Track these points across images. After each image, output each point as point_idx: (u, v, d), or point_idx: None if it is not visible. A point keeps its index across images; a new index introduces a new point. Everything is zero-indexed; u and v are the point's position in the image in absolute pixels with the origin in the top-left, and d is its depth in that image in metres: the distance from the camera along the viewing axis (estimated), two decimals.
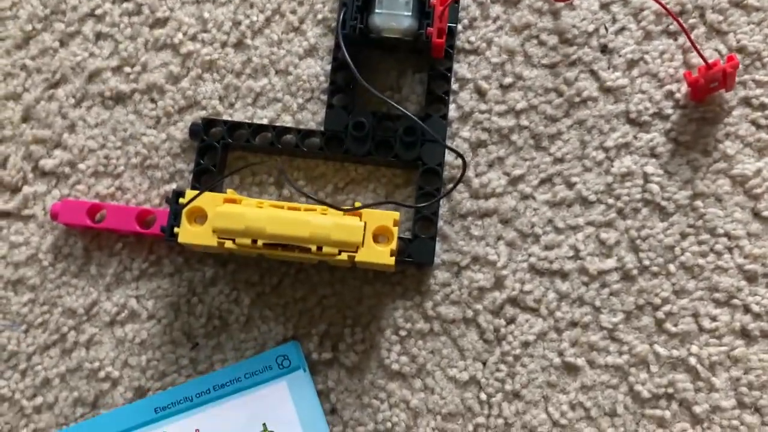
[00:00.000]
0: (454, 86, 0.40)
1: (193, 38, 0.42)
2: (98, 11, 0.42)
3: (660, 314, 0.38)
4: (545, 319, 0.38)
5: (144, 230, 0.38)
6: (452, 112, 0.40)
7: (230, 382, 0.37)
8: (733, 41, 0.40)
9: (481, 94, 0.40)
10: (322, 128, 0.40)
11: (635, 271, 0.38)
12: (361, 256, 0.35)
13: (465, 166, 0.36)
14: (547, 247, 0.39)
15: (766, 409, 0.37)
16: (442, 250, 0.39)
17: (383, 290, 0.39)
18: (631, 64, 0.40)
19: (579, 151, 0.40)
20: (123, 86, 0.41)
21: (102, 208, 0.39)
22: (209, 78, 0.41)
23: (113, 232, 0.39)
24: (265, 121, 0.41)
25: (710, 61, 0.38)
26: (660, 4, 0.39)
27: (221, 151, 0.39)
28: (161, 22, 0.42)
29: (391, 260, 0.35)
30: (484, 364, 0.38)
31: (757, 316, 0.37)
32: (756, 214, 0.38)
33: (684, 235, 0.38)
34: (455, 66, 0.40)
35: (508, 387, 0.38)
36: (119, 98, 0.41)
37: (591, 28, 0.41)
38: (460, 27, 0.41)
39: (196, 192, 0.35)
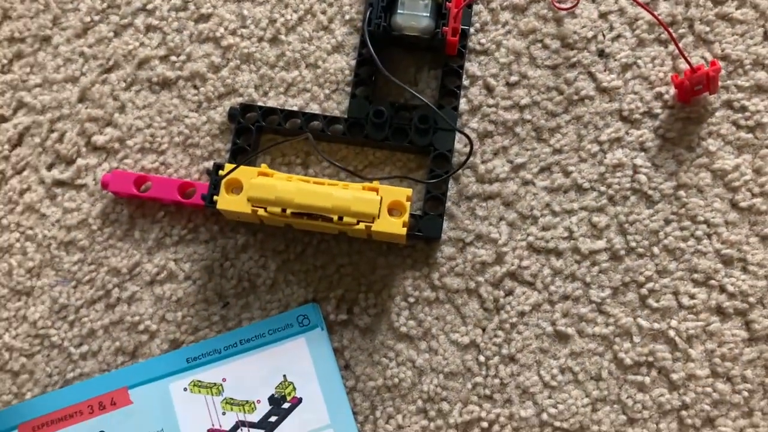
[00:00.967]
0: (465, 82, 0.45)
1: (233, 33, 0.46)
2: (149, 6, 0.47)
3: (644, 291, 0.42)
4: (540, 292, 0.42)
5: (185, 200, 0.43)
6: (463, 105, 0.45)
7: (255, 337, 0.42)
8: (718, 50, 0.44)
9: (489, 89, 0.45)
10: (345, 116, 0.44)
11: (623, 252, 0.42)
12: (376, 226, 0.39)
13: (472, 147, 0.41)
14: (544, 228, 0.43)
15: (736, 378, 0.41)
16: (449, 228, 0.43)
17: (395, 261, 0.43)
18: (625, 67, 0.45)
19: (576, 143, 0.44)
20: (169, 73, 0.46)
21: (148, 179, 0.44)
22: (246, 69, 0.46)
23: (156, 202, 0.44)
24: (295, 109, 0.45)
25: (695, 65, 0.42)
26: (651, 14, 0.43)
27: (255, 133, 0.44)
28: (205, 18, 0.47)
29: (403, 231, 0.40)
30: (484, 330, 0.42)
31: (731, 296, 0.42)
32: (734, 205, 0.43)
33: (668, 221, 0.43)
34: (467, 64, 0.45)
35: (504, 351, 0.42)
36: (165, 84, 0.46)
37: (590, 34, 0.45)
38: (472, 30, 0.45)
39: (234, 165, 0.40)
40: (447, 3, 0.41)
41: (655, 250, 0.42)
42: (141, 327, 0.43)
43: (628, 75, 0.44)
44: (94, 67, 0.46)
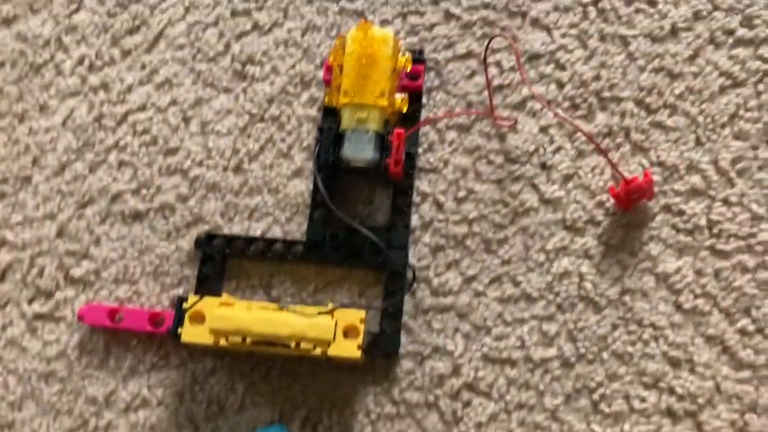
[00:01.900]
0: (417, 199, 0.48)
1: (200, 164, 0.50)
2: (121, 143, 0.51)
3: (595, 396, 0.43)
4: (496, 402, 0.44)
5: (155, 329, 0.45)
6: (415, 221, 0.47)
7: None
8: (654, 157, 0.47)
9: (439, 206, 0.47)
10: (304, 239, 0.47)
11: (573, 359, 0.44)
12: (332, 351, 0.42)
13: (414, 277, 0.43)
14: (498, 338, 0.45)
15: None
16: (407, 342, 0.45)
17: (356, 378, 0.45)
18: (567, 178, 0.47)
19: (523, 253, 0.46)
20: (140, 206, 0.49)
21: (120, 311, 0.46)
22: (212, 197, 0.49)
23: (130, 331, 0.46)
24: (258, 233, 0.48)
25: (630, 176, 0.45)
26: (581, 131, 0.46)
27: (220, 261, 0.47)
28: (173, 151, 0.50)
29: (359, 353, 0.42)
30: None
31: (681, 398, 0.43)
32: (678, 307, 0.44)
33: (615, 326, 0.44)
34: (417, 182, 0.48)
35: None
36: (137, 216, 0.49)
37: (532, 148, 0.48)
38: (420, 150, 0.48)
39: (197, 298, 0.43)
40: (389, 136, 0.44)
41: (604, 355, 0.44)
42: None
43: (570, 185, 0.47)
44: (71, 203, 0.50)
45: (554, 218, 0.46)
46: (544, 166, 0.47)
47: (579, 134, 0.47)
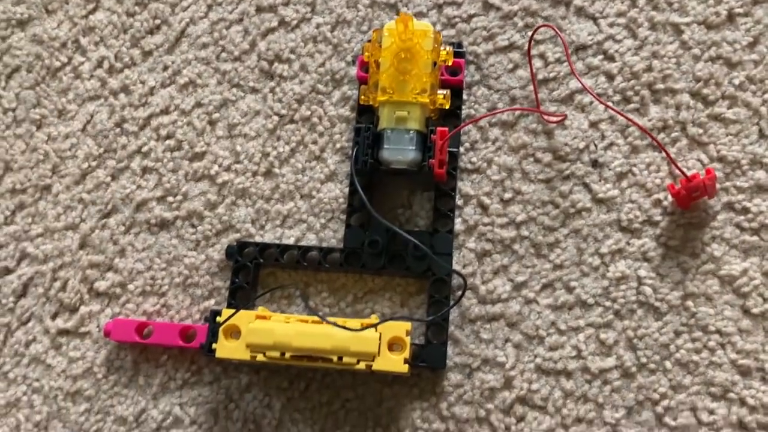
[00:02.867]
0: (459, 202, 0.45)
1: (228, 169, 0.47)
2: (144, 148, 0.48)
3: (659, 409, 0.40)
4: (552, 417, 0.41)
5: (186, 344, 0.43)
6: (458, 225, 0.44)
7: None
8: (714, 152, 0.44)
9: (483, 208, 0.45)
10: (341, 245, 0.44)
11: (634, 369, 0.41)
12: (377, 365, 0.39)
13: (465, 285, 0.40)
14: (552, 348, 0.42)
15: None
16: (454, 353, 0.43)
17: (401, 392, 0.42)
18: (621, 176, 0.44)
19: (576, 257, 0.43)
20: (166, 214, 0.47)
21: (148, 325, 0.44)
22: (242, 204, 0.46)
23: (159, 347, 0.44)
24: (292, 240, 0.45)
25: (690, 173, 0.42)
26: (636, 125, 0.43)
27: (253, 270, 0.44)
28: (199, 156, 0.48)
29: (405, 368, 0.39)
30: None
31: (753, 409, 0.40)
32: (746, 311, 0.41)
33: (678, 333, 0.41)
34: (459, 184, 0.45)
35: None
36: (163, 225, 0.47)
37: (582, 145, 0.45)
38: (462, 150, 0.46)
39: (232, 311, 0.40)
40: (432, 135, 0.41)
41: (668, 364, 0.41)
42: None
43: (624, 184, 0.44)
44: (94, 213, 0.47)
45: (608, 219, 0.44)
46: (595, 164, 0.45)
47: (632, 129, 0.44)
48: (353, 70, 0.48)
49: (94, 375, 0.44)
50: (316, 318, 0.40)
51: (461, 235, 0.44)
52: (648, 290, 0.42)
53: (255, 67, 0.49)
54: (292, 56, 0.49)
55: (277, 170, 0.47)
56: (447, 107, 0.43)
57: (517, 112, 0.46)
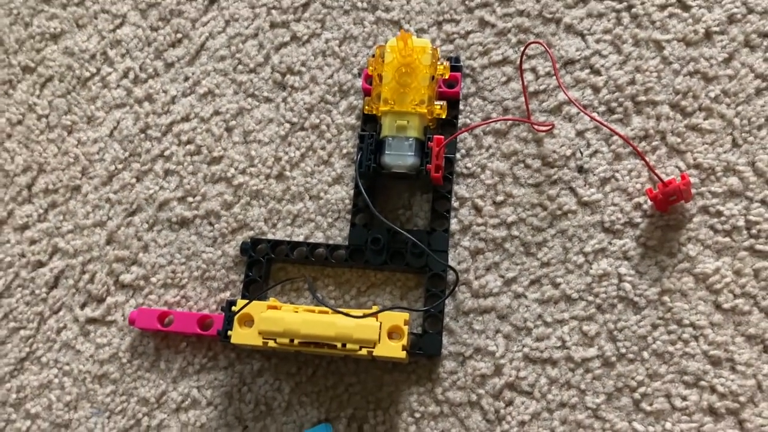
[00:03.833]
0: (455, 204, 0.49)
1: (243, 172, 0.51)
2: (166, 152, 0.52)
3: (636, 395, 0.44)
4: (538, 401, 0.45)
5: (204, 332, 0.47)
6: (454, 225, 0.48)
7: None
8: (691, 159, 0.47)
9: (477, 210, 0.48)
10: (347, 243, 0.48)
11: (614, 358, 0.45)
12: (378, 351, 0.43)
13: (457, 280, 0.44)
14: (538, 339, 0.46)
15: None
16: (449, 343, 0.46)
17: (400, 378, 0.46)
18: (604, 181, 0.48)
19: (562, 256, 0.47)
20: (186, 213, 0.51)
21: (170, 314, 0.48)
22: (256, 204, 0.50)
23: (179, 334, 0.48)
24: (301, 238, 0.49)
25: (667, 179, 0.46)
26: (618, 134, 0.47)
27: (266, 265, 0.48)
28: (217, 160, 0.52)
29: (403, 354, 0.43)
30: None
31: (722, 396, 0.43)
32: (717, 307, 0.45)
33: (655, 326, 0.45)
34: (455, 187, 0.49)
35: None
36: (183, 223, 0.51)
37: (568, 152, 0.49)
38: (458, 156, 0.49)
39: (245, 301, 0.44)
40: (429, 143, 0.45)
41: (645, 354, 0.45)
42: None
43: (607, 188, 0.48)
44: (120, 212, 0.51)
45: (592, 221, 0.47)
46: (581, 170, 0.48)
47: (615, 138, 0.48)
48: (359, 82, 0.52)
49: (119, 360, 0.48)
50: (322, 308, 0.44)
51: (457, 234, 0.48)
52: (628, 286, 0.46)
53: (269, 79, 0.53)
54: (303, 69, 0.53)
55: (288, 173, 0.51)
56: (444, 117, 0.47)
57: (509, 122, 0.49)
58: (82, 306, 0.50)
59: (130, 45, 0.55)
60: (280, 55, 0.53)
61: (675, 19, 0.50)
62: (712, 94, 0.48)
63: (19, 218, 0.52)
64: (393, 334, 0.44)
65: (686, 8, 0.50)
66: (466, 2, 0.52)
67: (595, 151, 0.48)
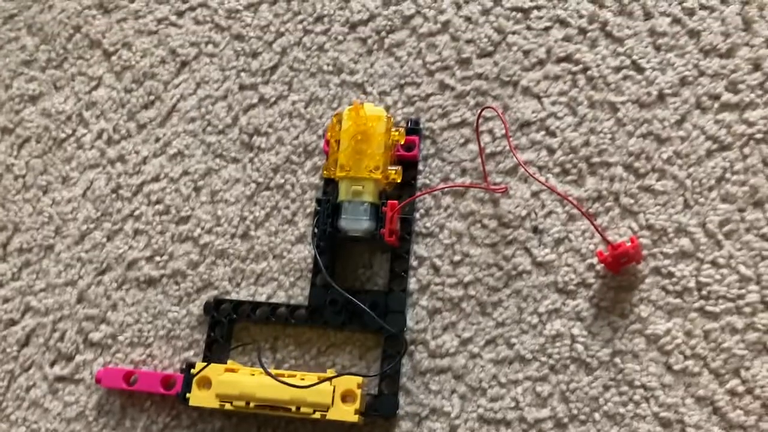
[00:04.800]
0: (414, 263, 0.50)
1: (209, 231, 0.53)
2: (136, 212, 0.54)
3: None
4: None
5: (167, 391, 0.48)
6: (413, 284, 0.49)
7: None
8: (643, 220, 0.48)
9: (435, 269, 0.50)
10: (307, 303, 0.49)
11: (566, 420, 0.45)
12: (331, 415, 0.44)
13: (405, 347, 0.45)
14: (493, 399, 0.47)
15: None
16: (405, 403, 0.47)
17: None
18: (558, 242, 0.49)
19: (517, 316, 0.48)
20: (154, 272, 0.52)
21: (134, 373, 0.49)
22: (221, 263, 0.52)
23: (143, 393, 0.49)
24: (264, 297, 0.51)
25: (618, 241, 0.46)
26: (566, 198, 0.48)
27: (228, 325, 0.49)
28: (184, 219, 0.53)
29: (356, 418, 0.44)
30: None
31: None
32: (668, 368, 0.45)
33: (606, 387, 0.46)
34: (415, 247, 0.50)
35: None
36: (151, 282, 0.52)
37: (524, 213, 0.50)
38: (417, 215, 0.51)
39: (204, 364, 0.45)
40: (383, 207, 0.47)
41: (596, 416, 0.45)
42: None
43: (561, 249, 0.49)
44: (90, 271, 0.53)
45: (546, 281, 0.48)
46: (536, 230, 0.49)
47: (569, 198, 0.49)
48: (322, 143, 0.53)
49: (86, 418, 0.50)
50: (280, 371, 0.45)
51: (415, 294, 0.49)
52: (580, 347, 0.46)
53: (236, 140, 0.55)
54: (270, 130, 0.54)
55: (253, 233, 0.52)
56: (399, 181, 0.48)
57: (468, 182, 0.51)
58: (52, 364, 0.51)
59: (104, 106, 0.57)
60: (248, 116, 0.55)
61: (629, 81, 0.51)
62: (665, 156, 0.49)
63: None
64: (347, 397, 0.44)
65: (640, 70, 0.51)
66: (427, 65, 0.54)
67: (550, 212, 0.49)
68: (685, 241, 0.47)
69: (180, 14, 0.58)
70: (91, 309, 0.52)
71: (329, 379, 0.44)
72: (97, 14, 0.59)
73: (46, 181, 0.56)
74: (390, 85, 0.54)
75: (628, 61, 0.51)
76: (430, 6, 0.55)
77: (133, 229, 0.54)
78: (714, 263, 0.47)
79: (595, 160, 0.50)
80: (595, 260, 0.48)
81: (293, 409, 0.44)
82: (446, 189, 0.51)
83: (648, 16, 0.52)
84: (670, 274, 0.47)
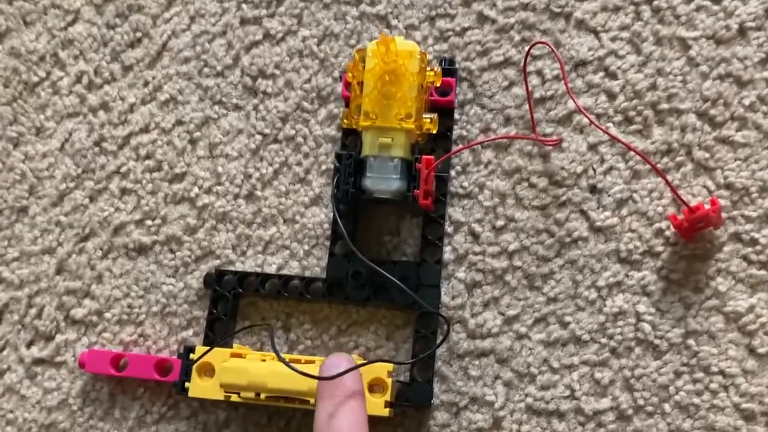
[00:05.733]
0: (449, 229, 0.43)
1: (208, 191, 0.45)
2: (123, 169, 0.46)
3: None
4: None
5: (162, 378, 0.41)
6: (448, 254, 0.42)
7: None
8: (721, 178, 0.41)
9: (474, 236, 0.42)
10: (325, 275, 0.42)
11: (630, 411, 0.39)
12: None
13: (449, 329, 0.38)
14: (543, 387, 0.40)
15: None
16: (440, 391, 0.41)
17: None
18: (621, 203, 0.42)
19: (572, 290, 0.41)
20: (145, 238, 0.45)
21: (124, 356, 0.42)
22: (223, 228, 0.45)
23: (135, 379, 0.42)
24: (274, 268, 0.43)
25: (695, 202, 0.39)
26: (635, 151, 0.40)
27: (232, 300, 0.42)
28: (179, 177, 0.46)
29: (385, 411, 0.37)
30: None
31: None
32: (751, 351, 0.39)
33: (678, 374, 0.39)
34: (450, 210, 0.43)
35: None
36: (141, 250, 0.45)
37: (580, 169, 0.42)
38: (453, 173, 0.43)
39: (206, 348, 0.38)
40: (417, 164, 0.39)
41: (666, 407, 0.39)
42: None
43: (624, 211, 0.41)
44: (71, 237, 0.46)
45: (606, 249, 0.41)
46: (594, 190, 0.42)
47: (632, 152, 0.42)
48: (340, 87, 0.46)
49: (70, 407, 0.43)
50: (295, 356, 0.38)
51: (450, 265, 0.42)
52: (647, 327, 0.40)
53: (238, 83, 0.47)
54: (277, 71, 0.47)
55: (259, 193, 0.45)
56: (434, 132, 0.41)
57: (513, 133, 0.43)
58: (29, 345, 0.45)
59: (83, 45, 0.49)
60: (251, 55, 0.47)
61: (703, 13, 0.43)
62: (747, 102, 0.41)
63: None
64: (374, 387, 0.38)
65: (717, 1, 0.43)
66: None
67: (611, 168, 0.42)
68: None
69: None
70: (73, 281, 0.45)
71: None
72: None
73: (17, 133, 0.48)
74: (419, 18, 0.46)
75: None
76: None
77: (120, 188, 0.46)
78: None
79: (664, 106, 0.42)
80: (663, 224, 0.41)
81: (312, 401, 0.37)
82: (492, 141, 0.43)
83: None
84: (753, 241, 0.40)
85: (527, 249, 0.42)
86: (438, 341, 0.40)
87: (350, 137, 0.44)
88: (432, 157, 0.39)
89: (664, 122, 0.42)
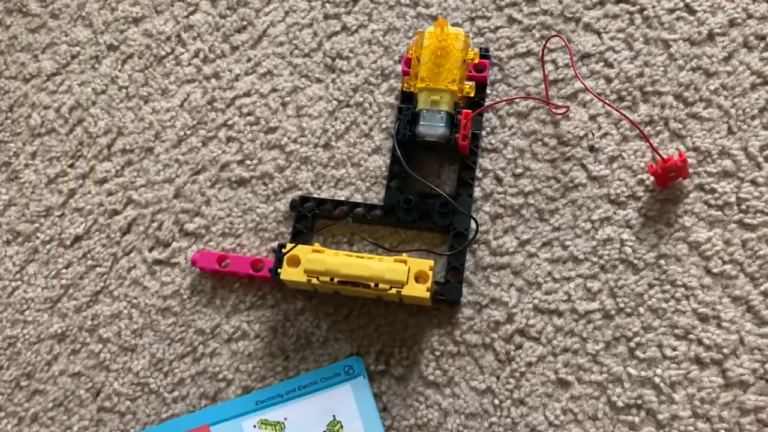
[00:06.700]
0: (479, 174, 0.55)
1: (295, 141, 0.59)
2: (229, 122, 0.60)
3: (632, 344, 0.50)
4: (545, 346, 0.51)
5: (255, 273, 0.54)
6: (477, 192, 0.55)
7: (310, 384, 0.52)
8: (690, 143, 0.54)
9: (498, 180, 0.55)
10: (382, 203, 0.55)
11: (613, 312, 0.51)
12: (405, 291, 0.49)
13: (477, 227, 0.51)
14: (547, 293, 0.52)
15: (714, 419, 0.48)
16: (467, 293, 0.53)
17: (423, 321, 0.53)
18: (612, 159, 0.54)
19: (572, 222, 0.53)
20: (244, 174, 0.58)
21: (227, 258, 0.55)
22: (305, 168, 0.58)
23: (233, 275, 0.55)
24: (342, 198, 0.56)
25: (666, 157, 0.52)
26: (626, 118, 0.53)
27: (311, 219, 0.55)
28: (272, 130, 0.59)
29: (427, 295, 0.49)
30: (498, 378, 0.51)
31: (708, 348, 0.49)
32: (708, 271, 0.51)
33: (651, 286, 0.51)
34: (480, 160, 0.56)
35: (515, 395, 0.50)
36: (241, 182, 0.58)
37: (581, 133, 0.55)
38: (483, 133, 0.56)
39: (293, 245, 0.51)
40: (458, 116, 0.52)
41: (641, 309, 0.50)
42: (220, 376, 0.53)
43: (615, 165, 0.54)
44: (186, 171, 0.59)
45: (600, 193, 0.53)
46: (592, 149, 0.55)
47: (623, 122, 0.55)
48: (399, 68, 0.59)
49: (181, 296, 0.56)
50: (360, 254, 0.51)
51: (479, 201, 0.55)
52: (629, 250, 0.52)
53: (320, 62, 0.61)
54: (351, 55, 0.60)
55: (333, 143, 0.58)
56: (472, 95, 0.54)
57: (531, 105, 0.56)
58: (150, 249, 0.58)
59: (201, 29, 0.63)
60: (331, 42, 0.61)
61: (682, 22, 0.56)
62: (712, 87, 0.54)
63: (100, 173, 0.60)
64: (419, 278, 0.50)
65: (692, 12, 0.56)
66: (497, 1, 0.59)
67: (606, 133, 0.55)
68: (727, 162, 0.53)
69: None
70: (187, 203, 0.58)
71: (405, 260, 0.49)
72: None
73: (147, 92, 0.62)
74: (462, 18, 0.60)
75: (681, 4, 0.57)
76: None
77: (226, 137, 0.60)
78: (753, 182, 0.52)
79: (648, 89, 0.55)
80: (644, 176, 0.53)
81: (372, 285, 0.49)
82: (515, 106, 0.56)
83: None
84: (713, 190, 0.52)
85: (539, 191, 0.54)
86: (472, 240, 0.52)
87: (405, 102, 0.57)
88: (470, 111, 0.52)
89: (648, 101, 0.55)
